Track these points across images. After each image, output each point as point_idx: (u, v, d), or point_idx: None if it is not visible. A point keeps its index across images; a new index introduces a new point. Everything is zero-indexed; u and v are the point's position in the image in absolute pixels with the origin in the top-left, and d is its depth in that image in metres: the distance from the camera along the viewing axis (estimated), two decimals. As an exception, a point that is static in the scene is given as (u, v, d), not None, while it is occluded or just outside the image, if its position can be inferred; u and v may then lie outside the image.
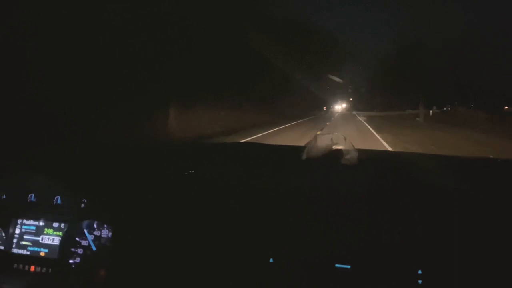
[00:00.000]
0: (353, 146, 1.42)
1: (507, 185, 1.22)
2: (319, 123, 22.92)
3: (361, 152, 1.39)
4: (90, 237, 1.33)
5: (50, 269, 1.34)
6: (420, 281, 1.01)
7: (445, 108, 30.24)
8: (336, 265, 1.06)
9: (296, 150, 1.48)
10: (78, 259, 1.33)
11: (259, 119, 18.55)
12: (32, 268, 1.35)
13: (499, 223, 1.03)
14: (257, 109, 19.49)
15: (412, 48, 27.26)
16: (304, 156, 1.41)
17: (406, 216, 1.09)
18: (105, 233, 1.33)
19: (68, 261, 1.33)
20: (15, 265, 1.37)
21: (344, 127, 21.04)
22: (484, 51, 25.26)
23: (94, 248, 1.32)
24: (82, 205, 1.39)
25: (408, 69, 26.91)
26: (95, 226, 1.35)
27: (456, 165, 1.52)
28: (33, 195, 1.44)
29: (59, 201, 1.42)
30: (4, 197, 1.45)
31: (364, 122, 24.92)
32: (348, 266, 1.05)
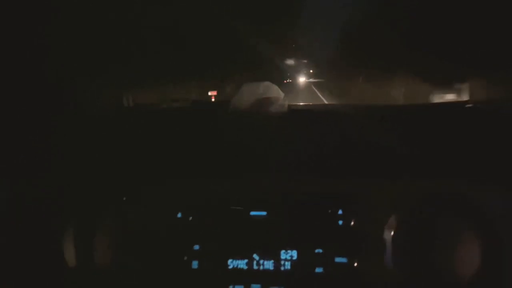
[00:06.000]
0: (282, 94, 1.33)
1: None
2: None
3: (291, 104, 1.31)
4: None
5: None
6: (340, 222, 0.92)
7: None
8: (251, 213, 0.96)
9: (220, 105, 1.38)
10: None
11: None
12: None
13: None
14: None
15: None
16: (230, 109, 1.31)
17: (323, 156, 1.00)
18: None
19: None
20: None
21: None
22: None
23: None
24: None
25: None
26: None
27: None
28: None
29: None
30: None
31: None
32: (264, 213, 0.95)
